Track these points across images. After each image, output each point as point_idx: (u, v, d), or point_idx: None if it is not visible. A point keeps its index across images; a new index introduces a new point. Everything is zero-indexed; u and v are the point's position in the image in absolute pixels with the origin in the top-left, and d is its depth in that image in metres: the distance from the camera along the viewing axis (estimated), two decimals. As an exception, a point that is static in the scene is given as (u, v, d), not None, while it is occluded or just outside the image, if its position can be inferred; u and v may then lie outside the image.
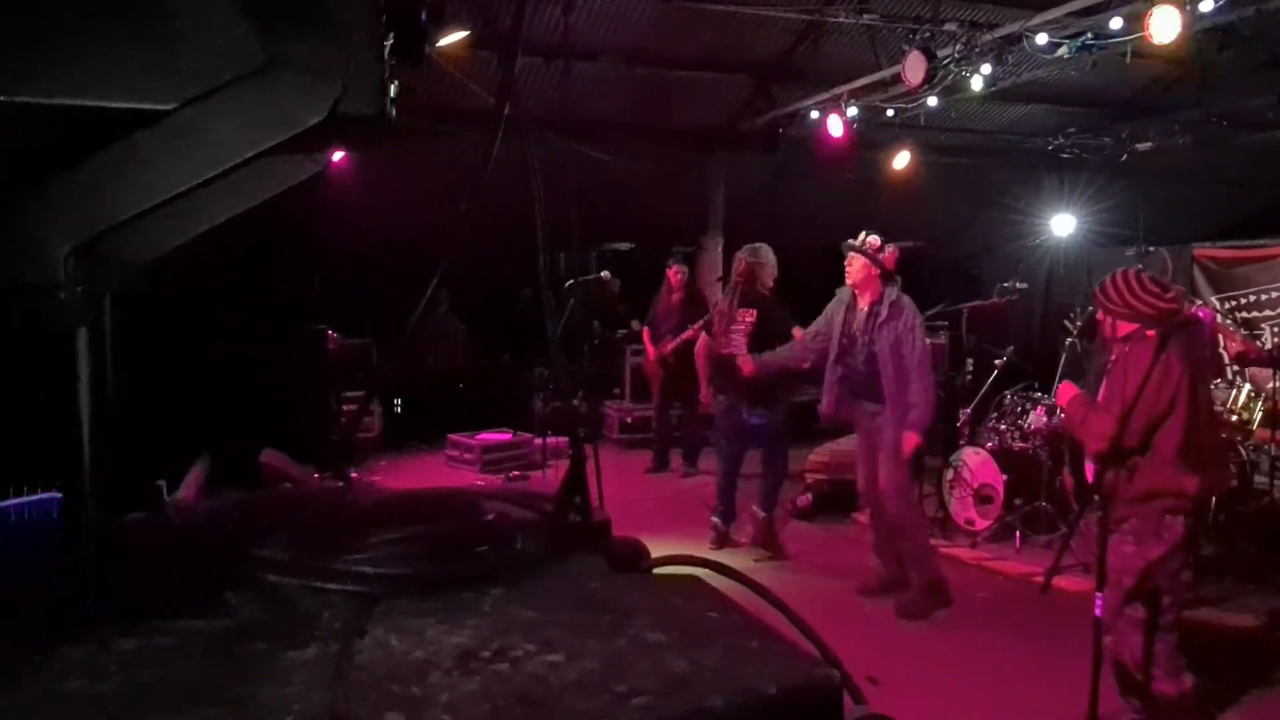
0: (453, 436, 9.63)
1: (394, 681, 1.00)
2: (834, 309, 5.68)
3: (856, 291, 5.54)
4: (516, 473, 9.05)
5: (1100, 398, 3.85)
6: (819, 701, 1.03)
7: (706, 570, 1.38)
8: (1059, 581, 5.26)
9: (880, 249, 5.44)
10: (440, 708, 0.94)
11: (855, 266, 5.45)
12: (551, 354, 2.14)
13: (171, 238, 1.30)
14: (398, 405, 10.53)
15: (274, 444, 4.34)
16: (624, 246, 8.98)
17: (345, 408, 9.36)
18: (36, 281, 1.05)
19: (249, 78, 1.09)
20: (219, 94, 1.08)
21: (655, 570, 1.40)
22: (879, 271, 5.42)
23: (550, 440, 8.66)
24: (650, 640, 1.12)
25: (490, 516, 1.52)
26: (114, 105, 1.05)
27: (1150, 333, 3.64)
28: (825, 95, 9.01)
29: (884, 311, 5.45)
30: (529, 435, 9.67)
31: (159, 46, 1.04)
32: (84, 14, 1.02)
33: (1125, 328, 3.77)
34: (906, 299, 5.45)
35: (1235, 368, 6.68)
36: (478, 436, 9.44)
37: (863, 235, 5.46)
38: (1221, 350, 7.36)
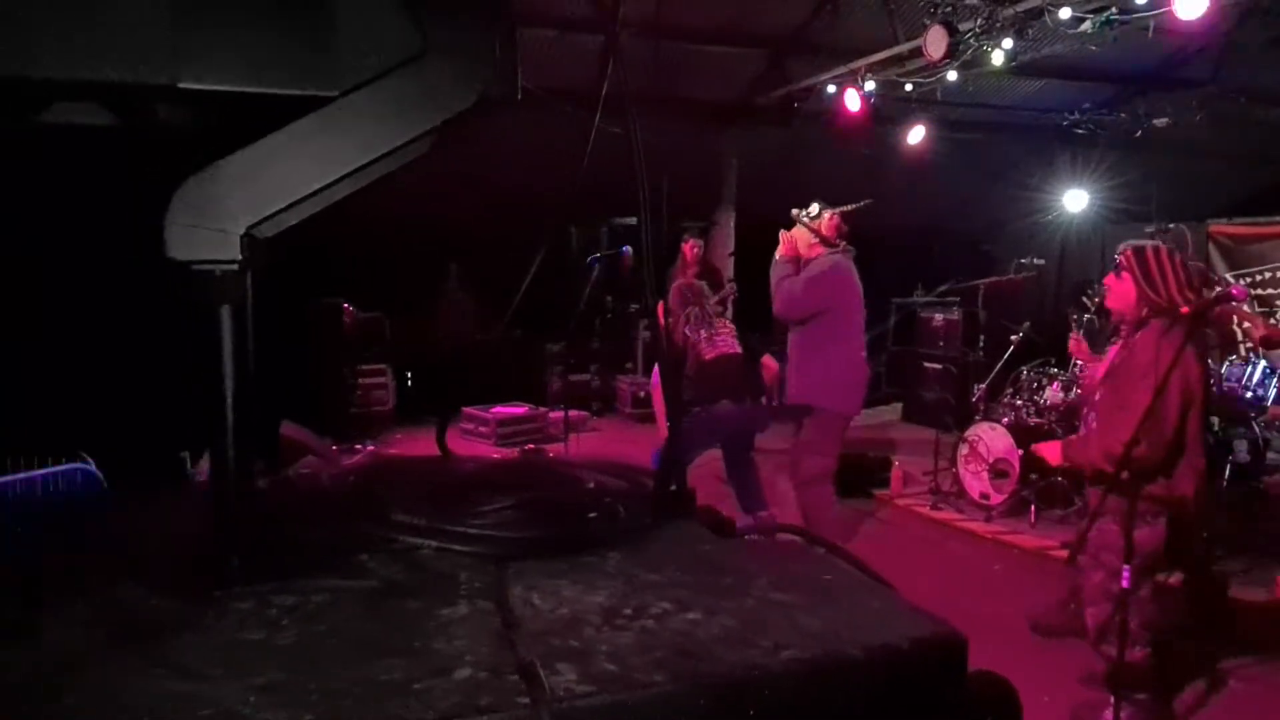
0: (468, 410, 9.69)
1: (553, 636, 1.07)
2: None
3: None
4: (531, 446, 9.11)
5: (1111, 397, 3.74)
6: (946, 656, 1.10)
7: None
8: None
9: (817, 216, 5.24)
10: (604, 658, 1.01)
11: (802, 242, 5.27)
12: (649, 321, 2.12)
13: (292, 216, 1.35)
14: (409, 378, 10.59)
15: (292, 416, 4.39)
16: (632, 220, 9.03)
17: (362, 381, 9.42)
18: (224, 259, 1.12)
19: (406, 65, 1.15)
20: (377, 81, 1.14)
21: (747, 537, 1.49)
22: (818, 240, 5.23)
23: (571, 414, 8.71)
24: (777, 600, 1.20)
25: (590, 485, 1.61)
26: (280, 92, 1.10)
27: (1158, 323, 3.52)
28: (842, 69, 8.98)
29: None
30: (544, 409, 9.74)
31: (322, 36, 1.10)
32: (254, 6, 1.07)
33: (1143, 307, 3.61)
34: (830, 262, 5.18)
35: (1256, 348, 6.65)
36: (493, 410, 9.49)
37: (815, 206, 5.26)
38: (1236, 328, 7.37)
